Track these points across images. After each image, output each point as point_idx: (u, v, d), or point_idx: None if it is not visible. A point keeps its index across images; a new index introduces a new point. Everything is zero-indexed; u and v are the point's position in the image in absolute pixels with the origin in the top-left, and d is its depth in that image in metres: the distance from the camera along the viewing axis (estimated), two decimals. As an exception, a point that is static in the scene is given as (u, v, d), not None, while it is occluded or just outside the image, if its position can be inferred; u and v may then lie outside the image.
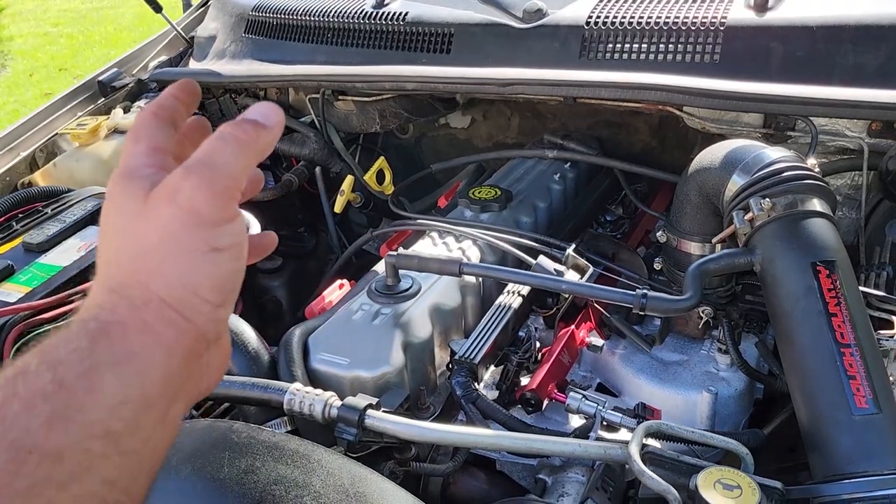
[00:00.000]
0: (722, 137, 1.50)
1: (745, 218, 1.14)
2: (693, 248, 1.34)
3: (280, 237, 1.92)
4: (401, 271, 1.27)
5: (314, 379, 1.15)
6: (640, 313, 1.12)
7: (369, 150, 2.14)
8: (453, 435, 0.98)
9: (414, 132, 2.15)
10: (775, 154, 1.18)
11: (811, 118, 1.35)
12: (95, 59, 7.17)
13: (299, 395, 1.03)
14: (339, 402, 1.02)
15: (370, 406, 1.00)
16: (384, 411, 1.03)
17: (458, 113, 2.10)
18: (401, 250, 1.28)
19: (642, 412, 1.14)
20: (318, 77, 1.72)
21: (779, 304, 1.08)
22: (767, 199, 1.12)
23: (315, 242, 2.22)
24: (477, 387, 1.15)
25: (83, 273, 1.41)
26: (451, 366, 1.28)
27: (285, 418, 1.11)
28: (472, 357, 1.16)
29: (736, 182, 1.19)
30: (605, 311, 1.32)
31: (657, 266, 1.42)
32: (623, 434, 1.12)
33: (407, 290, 1.25)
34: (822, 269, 1.05)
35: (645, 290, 1.11)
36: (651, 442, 1.02)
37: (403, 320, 1.20)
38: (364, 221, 2.15)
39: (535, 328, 1.30)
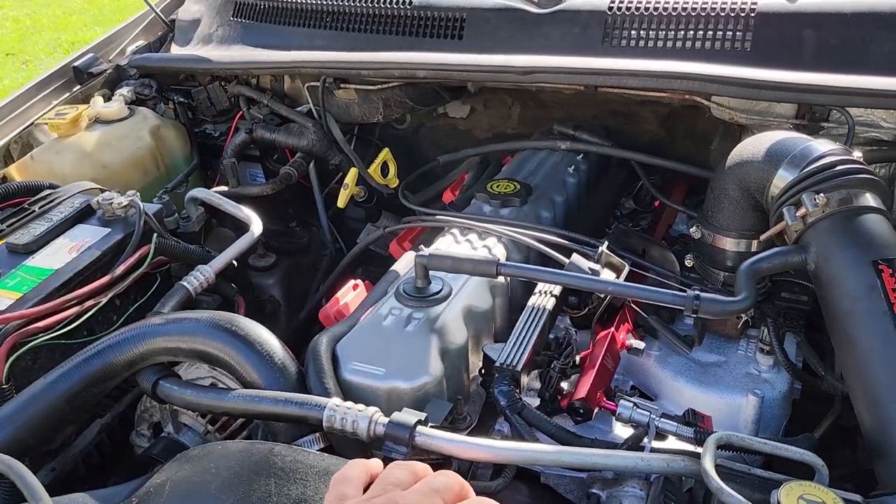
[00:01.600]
0: (749, 129, 1.46)
1: (797, 214, 1.09)
2: (729, 244, 1.29)
3: (272, 233, 1.82)
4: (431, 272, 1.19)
5: (346, 391, 1.07)
6: (693, 316, 1.06)
7: (366, 141, 2.04)
8: (514, 452, 0.92)
9: (412, 122, 2.07)
10: (824, 146, 1.13)
11: (847, 108, 1.30)
12: (44, 43, 6.86)
13: (340, 410, 0.95)
14: (384, 419, 0.94)
15: (420, 422, 0.93)
16: (431, 426, 0.95)
17: (458, 102, 2.02)
18: (431, 250, 1.20)
19: (693, 419, 1.08)
20: (319, 64, 1.62)
21: (837, 304, 1.04)
22: (822, 194, 1.07)
23: (308, 238, 2.12)
24: (521, 396, 1.08)
25: (76, 277, 1.30)
26: (482, 371, 1.22)
27: (318, 435, 1.03)
28: (514, 364, 1.10)
29: (783, 176, 1.14)
30: (641, 312, 1.26)
31: (688, 263, 1.37)
32: (671, 442, 1.06)
33: (438, 292, 1.17)
34: (885, 268, 1.01)
35: (697, 292, 1.06)
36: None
37: (438, 325, 1.12)
38: (361, 216, 2.05)
39: (575, 331, 1.24)
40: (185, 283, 1.36)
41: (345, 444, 1.01)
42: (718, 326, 1.31)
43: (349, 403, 0.97)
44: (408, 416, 0.93)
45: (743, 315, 1.26)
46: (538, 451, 0.92)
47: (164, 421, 1.22)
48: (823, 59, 1.32)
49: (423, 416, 0.94)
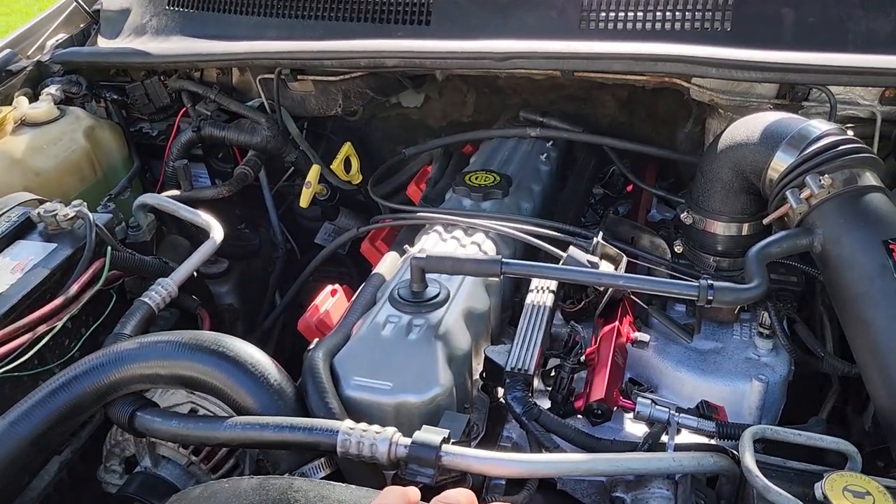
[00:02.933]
0: (729, 110, 1.44)
1: (802, 196, 1.07)
2: (720, 228, 1.27)
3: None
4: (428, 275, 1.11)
5: (350, 409, 0.99)
6: (708, 306, 1.03)
7: (317, 135, 1.93)
8: (547, 465, 0.86)
9: (364, 114, 1.97)
10: (822, 126, 1.12)
11: (829, 87, 1.30)
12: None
13: (356, 434, 0.87)
14: (405, 440, 0.86)
15: (444, 440, 0.86)
16: (453, 443, 0.88)
17: (412, 91, 1.94)
18: (427, 251, 1.12)
19: (708, 411, 1.06)
20: (276, 54, 1.51)
21: (848, 286, 1.02)
22: (826, 176, 1.05)
23: (258, 240, 2.00)
24: (536, 402, 1.02)
25: (27, 299, 1.16)
26: (482, 375, 1.15)
27: (323, 460, 0.94)
28: (525, 368, 1.04)
29: (782, 158, 1.12)
30: (641, 304, 1.23)
31: (677, 249, 1.34)
32: (685, 436, 1.03)
33: (437, 295, 1.10)
34: (896, 247, 1.00)
35: (710, 281, 1.02)
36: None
37: (442, 331, 1.05)
38: (316, 213, 1.95)
39: (581, 328, 1.19)
40: (145, 300, 1.24)
41: (356, 470, 0.93)
42: (713, 312, 1.29)
43: (363, 425, 0.89)
44: (431, 434, 0.86)
45: (741, 300, 1.23)
46: (571, 461, 0.87)
47: (140, 454, 1.10)
48: (803, 37, 1.31)
49: (445, 433, 0.87)
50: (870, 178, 1.07)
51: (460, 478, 0.93)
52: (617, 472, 0.89)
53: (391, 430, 0.87)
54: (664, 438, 1.00)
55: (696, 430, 1.01)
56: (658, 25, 1.36)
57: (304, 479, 0.81)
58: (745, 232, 1.27)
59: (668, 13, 1.36)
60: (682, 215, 1.30)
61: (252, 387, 0.97)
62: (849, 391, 1.28)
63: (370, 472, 0.94)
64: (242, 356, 0.99)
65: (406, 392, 0.98)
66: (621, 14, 1.38)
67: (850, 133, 1.14)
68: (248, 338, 1.78)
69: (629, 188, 1.68)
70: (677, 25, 1.35)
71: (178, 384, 1.01)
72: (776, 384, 1.21)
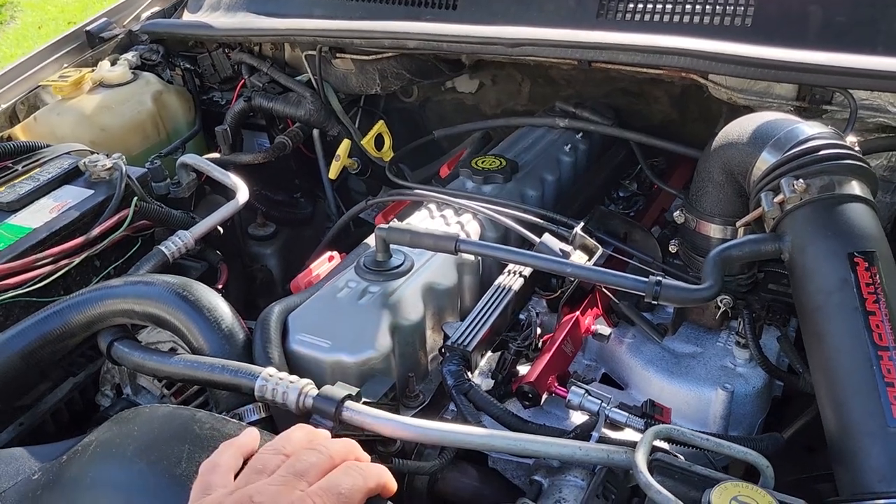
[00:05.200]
0: (750, 110, 1.38)
1: (775, 200, 1.03)
2: (713, 230, 1.23)
3: (275, 203, 1.80)
4: (394, 246, 1.16)
5: (292, 362, 1.05)
6: (653, 302, 1.01)
7: (371, 113, 2.01)
8: (437, 433, 0.88)
9: (418, 96, 2.03)
10: (811, 129, 1.06)
11: (851, 91, 1.22)
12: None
13: (272, 381, 0.93)
14: (315, 391, 0.92)
15: (349, 397, 0.90)
16: (365, 402, 0.93)
17: (466, 77, 1.97)
18: (393, 223, 1.17)
19: (650, 410, 1.04)
20: (313, 32, 1.59)
21: (808, 298, 0.97)
22: (801, 180, 1.00)
23: (312, 209, 2.11)
24: (470, 376, 1.05)
25: (53, 236, 1.31)
26: (442, 351, 1.18)
27: (258, 405, 1.01)
28: (465, 343, 1.06)
29: (766, 160, 1.07)
30: (612, 297, 1.21)
31: (672, 249, 1.31)
32: (627, 434, 1.02)
33: (398, 266, 1.14)
34: (861, 261, 0.94)
35: (659, 278, 1.00)
36: (660, 444, 0.93)
37: (393, 300, 1.10)
38: (363, 189, 2.03)
39: (537, 312, 1.19)
40: (162, 248, 1.36)
41: (283, 416, 1.00)
42: (696, 316, 1.25)
43: (283, 374, 0.95)
44: (338, 389, 0.91)
45: (720, 305, 1.19)
46: (466, 433, 0.89)
47: (124, 383, 1.22)
48: (829, 37, 1.24)
49: (354, 390, 0.92)
50: (853, 188, 1.00)
51: (385, 438, 0.98)
52: (513, 450, 0.89)
53: (305, 381, 0.93)
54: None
55: (625, 426, 1.00)
56: (677, 18, 1.33)
57: (207, 413, 0.88)
58: (738, 236, 1.22)
59: (687, 6, 1.32)
60: (675, 214, 1.27)
61: (205, 329, 1.05)
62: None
63: (297, 421, 0.99)
64: (202, 301, 1.07)
65: (342, 351, 1.03)
66: (640, 5, 1.35)
67: (855, 140, 1.07)
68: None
69: (656, 186, 1.63)
70: (696, 19, 1.31)
71: (151, 321, 1.11)
72: (748, 396, 1.16)
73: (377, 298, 1.10)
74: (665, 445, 0.92)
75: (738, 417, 1.16)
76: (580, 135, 1.65)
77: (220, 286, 1.53)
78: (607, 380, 1.26)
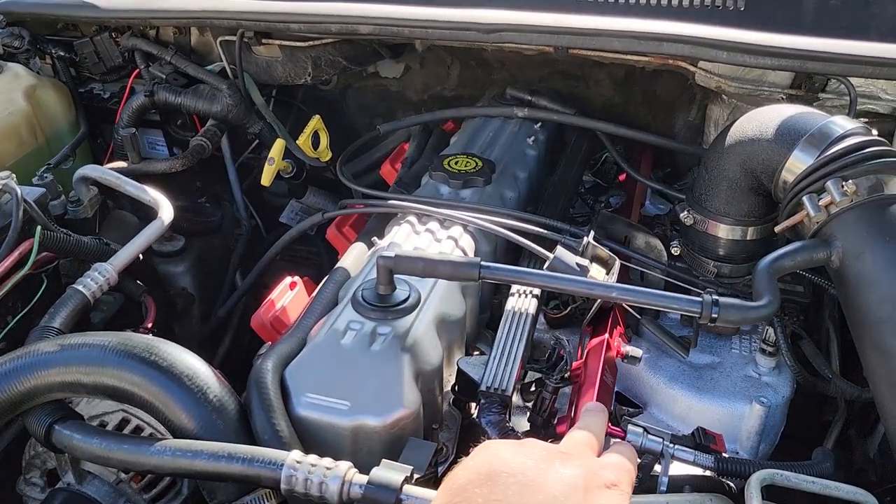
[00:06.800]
0: (736, 98, 1.31)
1: (821, 203, 0.95)
2: (723, 231, 1.16)
3: (178, 210, 1.54)
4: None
5: (301, 430, 0.86)
6: (710, 324, 0.91)
7: (286, 104, 1.78)
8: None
9: (338, 83, 1.81)
10: (846, 124, 1.00)
11: (849, 78, 1.18)
12: None
13: (303, 469, 0.75)
14: (361, 478, 0.74)
15: (407, 480, 0.73)
16: (417, 479, 0.76)
17: (390, 60, 1.78)
18: (396, 249, 0.99)
19: (704, 440, 0.94)
20: (237, 14, 1.35)
21: (869, 308, 0.91)
22: (850, 181, 0.93)
23: (221, 215, 1.85)
24: (512, 426, 0.91)
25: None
26: (454, 388, 1.03)
27: (267, 491, 0.82)
28: (503, 388, 0.92)
29: (800, 158, 1.00)
30: (634, 313, 1.11)
31: (674, 250, 1.23)
32: (679, 467, 0.92)
33: (405, 300, 0.97)
34: (927, 268, 0.89)
35: (716, 297, 0.90)
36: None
37: (409, 342, 0.92)
38: (283, 190, 1.80)
39: (568, 341, 1.07)
40: (80, 288, 1.10)
41: (304, 504, 0.81)
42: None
43: (313, 458, 0.76)
44: (390, 472, 0.73)
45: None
46: None
47: (62, 469, 0.97)
48: (823, 22, 1.19)
49: (408, 469, 0.75)
50: (897, 186, 0.95)
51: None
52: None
53: (344, 465, 0.75)
54: (657, 468, 0.89)
55: (693, 464, 0.90)
56: (664, 1, 1.23)
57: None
58: (750, 236, 1.15)
59: (676, -13, 1.22)
60: (681, 214, 1.18)
61: (188, 403, 0.84)
62: (853, 414, 1.18)
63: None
64: (178, 366, 0.85)
65: (365, 413, 0.85)
66: (624, -14, 1.24)
67: (875, 133, 1.02)
68: (206, 327, 1.67)
69: (621, 177, 1.55)
70: (685, 1, 1.22)
71: (104, 395, 0.88)
72: (777, 406, 1.10)
73: (391, 342, 0.92)
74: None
75: (766, 430, 1.10)
76: (538, 125, 1.52)
77: (148, 325, 1.28)
78: (621, 399, 1.16)
